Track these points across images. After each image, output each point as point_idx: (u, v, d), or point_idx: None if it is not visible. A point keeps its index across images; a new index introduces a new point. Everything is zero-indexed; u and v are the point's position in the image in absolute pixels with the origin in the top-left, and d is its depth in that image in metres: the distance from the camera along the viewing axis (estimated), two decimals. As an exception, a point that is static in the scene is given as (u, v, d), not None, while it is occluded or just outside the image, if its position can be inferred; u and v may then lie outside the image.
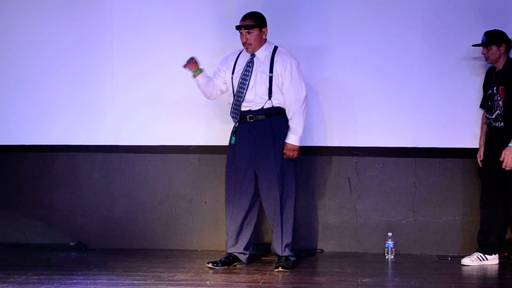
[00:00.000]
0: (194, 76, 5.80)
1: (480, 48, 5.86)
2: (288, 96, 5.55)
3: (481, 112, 6.03)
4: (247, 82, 5.58)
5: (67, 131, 6.54)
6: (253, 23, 5.58)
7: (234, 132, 5.66)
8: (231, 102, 5.67)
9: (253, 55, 5.64)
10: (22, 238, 6.66)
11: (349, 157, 6.33)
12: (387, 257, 6.10)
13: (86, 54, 6.53)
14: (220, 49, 6.29)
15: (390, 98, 6.25)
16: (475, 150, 6.06)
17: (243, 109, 5.59)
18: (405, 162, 6.31)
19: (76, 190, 6.63)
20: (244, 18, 5.63)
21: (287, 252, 5.61)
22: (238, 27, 5.62)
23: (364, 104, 6.25)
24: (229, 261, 5.67)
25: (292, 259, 5.64)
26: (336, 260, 6.06)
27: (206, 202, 6.51)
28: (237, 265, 5.67)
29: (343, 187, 6.35)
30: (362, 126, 6.26)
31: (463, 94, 6.17)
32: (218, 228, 6.47)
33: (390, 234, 6.14)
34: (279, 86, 5.55)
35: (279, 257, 5.59)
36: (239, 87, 5.61)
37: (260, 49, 5.62)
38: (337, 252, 6.31)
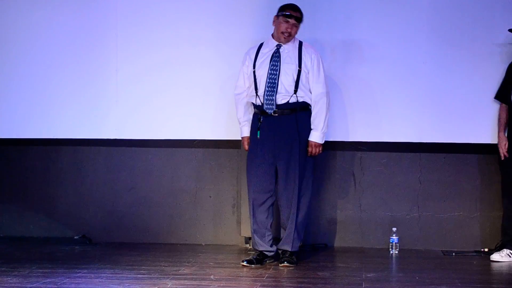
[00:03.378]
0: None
1: (483, 43, 5.89)
2: (314, 91, 5.49)
3: (487, 105, 6.03)
4: (277, 73, 5.46)
5: (72, 125, 6.55)
6: (301, 18, 5.53)
7: (258, 127, 5.52)
8: (254, 95, 5.54)
9: (279, 45, 5.53)
10: (27, 232, 6.67)
11: (354, 152, 6.33)
12: (391, 252, 6.10)
13: (91, 49, 6.53)
14: (224, 44, 6.29)
15: (394, 93, 6.24)
16: (480, 145, 6.07)
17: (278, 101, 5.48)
18: (410, 157, 6.31)
19: (80, 184, 6.64)
20: (296, 9, 5.52)
21: (295, 249, 5.57)
22: (289, 16, 5.47)
23: (368, 99, 6.25)
24: (261, 258, 5.56)
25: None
26: (340, 255, 6.06)
27: (210, 196, 6.51)
28: (267, 262, 5.58)
29: (347, 182, 6.35)
30: (366, 121, 6.26)
31: (468, 89, 6.16)
32: (222, 223, 6.47)
33: (394, 229, 6.14)
34: (306, 80, 5.48)
35: (284, 251, 5.58)
36: (270, 78, 5.46)
37: (289, 42, 5.55)
38: (342, 247, 6.31)
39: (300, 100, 5.48)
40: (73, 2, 6.54)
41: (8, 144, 6.68)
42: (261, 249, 5.60)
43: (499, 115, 5.98)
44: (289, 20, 5.47)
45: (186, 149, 6.52)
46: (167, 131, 6.47)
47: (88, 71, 6.54)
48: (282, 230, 5.65)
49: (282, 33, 5.48)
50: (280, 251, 5.63)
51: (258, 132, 5.51)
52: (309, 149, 5.50)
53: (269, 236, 5.61)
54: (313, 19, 6.21)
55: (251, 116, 5.67)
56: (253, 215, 5.58)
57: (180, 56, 6.42)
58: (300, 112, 5.49)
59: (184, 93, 6.41)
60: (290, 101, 5.46)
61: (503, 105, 5.94)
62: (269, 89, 5.46)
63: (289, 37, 5.49)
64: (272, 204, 5.60)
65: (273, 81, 5.45)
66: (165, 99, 6.44)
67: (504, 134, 5.90)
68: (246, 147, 5.67)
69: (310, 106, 5.55)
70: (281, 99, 5.45)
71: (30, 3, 6.57)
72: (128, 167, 6.59)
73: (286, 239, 5.56)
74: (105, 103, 6.52)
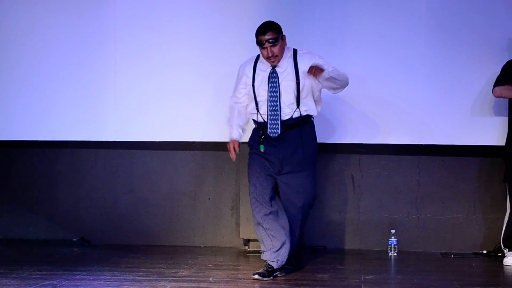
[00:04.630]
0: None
1: (481, 45, 5.91)
2: (326, 65, 5.13)
3: (485, 108, 6.06)
4: (277, 94, 5.22)
5: (71, 127, 6.55)
6: (276, 35, 5.15)
7: (261, 141, 5.29)
8: (255, 113, 5.32)
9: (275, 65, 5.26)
10: (25, 234, 6.67)
11: (352, 154, 6.33)
12: (390, 254, 6.10)
13: (90, 51, 6.54)
14: (222, 47, 6.30)
15: (393, 96, 6.25)
16: (479, 147, 6.08)
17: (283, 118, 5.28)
18: (409, 160, 6.31)
19: (79, 186, 6.64)
20: (264, 31, 5.16)
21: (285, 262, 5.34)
22: (260, 43, 5.17)
23: (367, 101, 6.25)
24: (272, 270, 5.29)
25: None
26: (339, 257, 6.06)
27: (209, 199, 6.52)
28: (278, 275, 5.31)
29: (346, 184, 6.35)
30: (365, 123, 6.27)
31: (466, 91, 6.17)
32: (221, 225, 6.48)
33: (393, 231, 6.14)
34: (308, 90, 5.24)
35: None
36: (271, 101, 5.23)
37: (283, 57, 5.25)
38: (340, 249, 6.32)
39: (304, 113, 5.28)
40: (72, 4, 6.54)
41: (8, 146, 6.68)
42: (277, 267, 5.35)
43: (506, 88, 5.73)
44: (264, 45, 5.17)
45: (185, 151, 6.52)
46: (166, 133, 6.48)
47: (87, 73, 6.54)
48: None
49: (268, 58, 5.21)
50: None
51: (262, 146, 5.29)
52: (311, 66, 5.11)
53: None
54: (311, 21, 6.23)
55: (242, 124, 5.48)
56: (268, 233, 5.32)
57: (179, 59, 6.42)
58: (304, 126, 5.31)
59: (183, 95, 6.42)
60: (294, 116, 5.25)
61: (505, 86, 5.75)
62: (272, 112, 5.25)
63: (276, 57, 5.19)
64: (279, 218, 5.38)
65: (275, 103, 5.23)
66: (164, 101, 6.44)
67: None
68: (233, 152, 5.41)
69: (313, 117, 5.38)
70: (284, 115, 5.26)
71: (30, 6, 6.57)
72: (127, 169, 6.59)
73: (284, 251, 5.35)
74: (104, 106, 6.52)
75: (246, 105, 5.42)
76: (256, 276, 5.17)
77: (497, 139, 6.09)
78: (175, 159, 6.54)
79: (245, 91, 5.38)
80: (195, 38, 6.40)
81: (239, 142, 5.44)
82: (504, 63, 5.86)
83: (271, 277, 5.21)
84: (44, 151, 6.67)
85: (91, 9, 6.53)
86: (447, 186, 6.27)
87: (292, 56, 5.27)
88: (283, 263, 5.30)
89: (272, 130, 5.25)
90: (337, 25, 6.26)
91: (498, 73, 5.83)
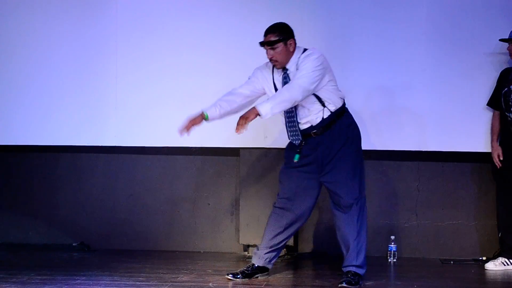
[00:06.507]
0: (208, 120, 5.26)
1: (481, 52, 5.99)
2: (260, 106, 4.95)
3: (485, 114, 6.04)
4: None
5: (71, 132, 6.54)
6: (276, 38, 5.04)
7: (299, 151, 5.14)
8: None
9: (285, 69, 5.13)
10: (25, 239, 6.67)
11: (352, 160, 6.33)
12: (389, 260, 6.11)
13: (90, 55, 6.53)
14: (224, 51, 6.30)
15: (393, 102, 6.24)
16: (479, 154, 6.08)
17: (303, 127, 5.14)
18: (409, 166, 6.33)
19: (79, 191, 6.65)
20: (266, 33, 5.10)
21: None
22: (261, 44, 5.10)
23: (367, 107, 6.24)
24: (252, 272, 5.34)
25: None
26: (339, 262, 6.02)
27: (209, 204, 6.52)
28: (259, 277, 5.36)
29: (346, 190, 6.35)
30: (365, 129, 6.21)
31: (466, 97, 6.16)
32: (220, 230, 6.49)
33: (392, 237, 6.15)
34: (324, 88, 5.08)
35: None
36: (287, 111, 5.12)
37: (290, 61, 5.10)
38: (340, 255, 6.28)
39: (333, 110, 5.13)
40: (74, 8, 6.54)
41: (8, 151, 6.68)
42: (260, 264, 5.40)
43: (492, 123, 5.99)
44: (266, 48, 5.10)
45: (185, 157, 6.53)
46: (166, 139, 6.46)
47: (88, 78, 6.54)
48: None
49: (270, 61, 5.13)
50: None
51: (297, 156, 5.13)
52: (240, 119, 4.92)
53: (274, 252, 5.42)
54: (312, 27, 6.23)
55: (224, 106, 5.23)
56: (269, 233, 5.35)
57: (180, 64, 6.42)
58: (339, 120, 5.14)
59: (183, 100, 6.41)
60: (324, 117, 5.11)
61: (496, 112, 5.96)
62: (289, 120, 5.17)
63: (277, 61, 5.08)
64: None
65: (291, 109, 5.10)
66: (164, 106, 6.44)
67: (497, 143, 5.91)
68: (184, 127, 5.16)
69: (343, 108, 5.20)
70: (313, 120, 5.12)
71: (30, 11, 6.57)
72: (127, 174, 6.60)
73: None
74: (105, 110, 6.52)
75: (243, 95, 5.25)
76: (230, 277, 5.27)
77: (497, 145, 6.10)
78: (175, 164, 6.55)
79: (248, 92, 5.25)
80: (196, 43, 6.40)
81: (201, 119, 5.20)
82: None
83: (247, 279, 5.29)
84: (44, 155, 6.68)
85: (92, 14, 6.53)
86: (447, 192, 6.28)
87: (299, 58, 5.10)
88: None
89: (294, 137, 5.18)
90: (336, 32, 6.26)
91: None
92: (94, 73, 6.52)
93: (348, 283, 5.05)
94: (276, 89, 5.16)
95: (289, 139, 5.25)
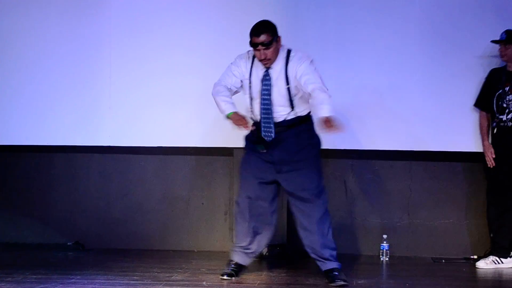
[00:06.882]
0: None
1: (474, 52, 6.00)
2: (310, 83, 4.97)
3: (476, 114, 6.07)
4: (269, 98, 5.14)
5: (65, 132, 6.55)
6: (270, 38, 5.03)
7: (257, 141, 5.21)
8: (250, 110, 5.26)
9: (269, 68, 5.15)
10: (20, 238, 6.68)
11: (345, 159, 6.36)
12: (382, 259, 6.14)
13: (84, 55, 6.53)
14: (217, 52, 6.31)
15: (386, 102, 6.26)
16: (471, 154, 6.10)
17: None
18: (401, 165, 6.35)
19: (74, 190, 6.66)
20: (258, 33, 5.03)
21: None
22: (254, 45, 5.06)
23: (360, 107, 6.26)
24: (238, 270, 5.40)
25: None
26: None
27: (203, 203, 6.55)
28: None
29: (339, 190, 6.39)
30: (358, 129, 6.28)
31: (458, 97, 6.18)
32: (214, 229, 6.51)
33: (385, 236, 6.18)
34: (300, 92, 5.12)
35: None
36: (264, 104, 5.16)
37: (277, 58, 5.14)
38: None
39: (299, 114, 5.21)
40: (68, 10, 6.54)
41: (3, 151, 6.69)
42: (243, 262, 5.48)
43: (480, 123, 6.02)
44: (257, 47, 5.07)
45: (179, 156, 6.55)
46: (160, 139, 6.49)
47: (82, 78, 6.54)
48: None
49: (261, 61, 5.12)
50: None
51: (262, 146, 5.19)
52: (323, 125, 4.86)
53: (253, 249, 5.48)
54: (305, 28, 6.26)
55: (229, 98, 5.22)
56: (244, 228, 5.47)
57: (174, 64, 6.43)
58: (299, 126, 5.22)
59: (177, 100, 6.43)
60: (287, 118, 5.18)
61: (483, 112, 6.00)
62: (265, 115, 5.20)
63: (270, 60, 5.09)
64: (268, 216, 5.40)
65: (267, 106, 5.16)
66: (159, 106, 6.45)
67: (489, 142, 5.94)
68: (244, 120, 5.06)
69: (308, 116, 5.27)
70: (278, 117, 5.18)
71: (24, 12, 6.56)
72: (122, 174, 6.62)
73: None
74: (99, 110, 6.53)
75: (230, 89, 5.27)
76: (225, 277, 5.30)
77: (489, 145, 6.13)
78: (170, 164, 6.57)
79: (234, 89, 5.28)
80: (190, 43, 6.41)
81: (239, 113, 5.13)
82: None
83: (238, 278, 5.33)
84: (39, 155, 6.69)
85: (86, 14, 6.53)
86: (439, 191, 6.32)
87: (285, 58, 5.13)
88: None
89: (266, 134, 5.20)
90: (330, 32, 6.28)
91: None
92: (88, 74, 6.53)
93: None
94: (250, 83, 5.19)
95: (261, 134, 5.20)
